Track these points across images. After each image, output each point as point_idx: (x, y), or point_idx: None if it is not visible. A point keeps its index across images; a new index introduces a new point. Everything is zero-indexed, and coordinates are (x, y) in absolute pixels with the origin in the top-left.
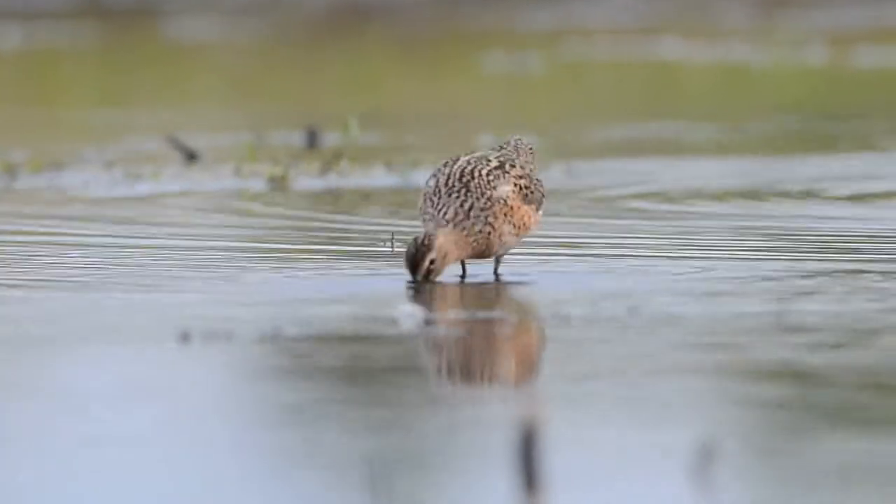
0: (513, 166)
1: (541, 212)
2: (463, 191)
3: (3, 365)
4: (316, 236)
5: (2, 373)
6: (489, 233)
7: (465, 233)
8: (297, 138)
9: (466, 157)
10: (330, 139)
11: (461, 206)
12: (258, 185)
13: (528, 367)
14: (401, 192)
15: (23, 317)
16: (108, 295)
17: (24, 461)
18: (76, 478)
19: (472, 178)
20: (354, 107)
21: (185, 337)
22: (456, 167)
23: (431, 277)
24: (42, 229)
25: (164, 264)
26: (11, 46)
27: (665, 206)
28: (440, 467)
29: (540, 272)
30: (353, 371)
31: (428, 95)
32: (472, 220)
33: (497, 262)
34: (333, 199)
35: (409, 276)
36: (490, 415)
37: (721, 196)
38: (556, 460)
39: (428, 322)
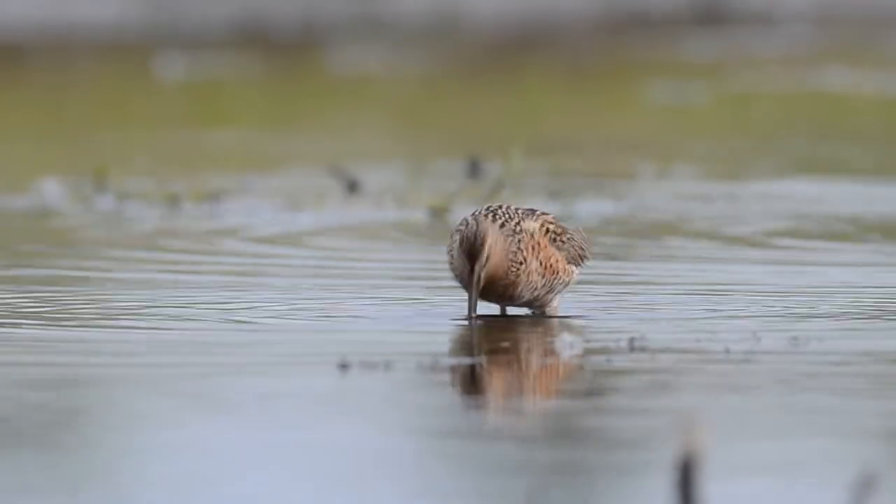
0: (545, 213)
1: (576, 269)
2: (491, 216)
3: (181, 387)
4: None
5: (185, 392)
6: (521, 263)
7: (507, 242)
8: (459, 168)
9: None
10: (492, 169)
11: (494, 223)
12: (419, 215)
13: (688, 396)
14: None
15: (189, 344)
16: (266, 324)
17: (211, 467)
18: (260, 482)
19: (499, 208)
20: (517, 136)
21: (344, 366)
22: (483, 207)
23: (481, 264)
24: (200, 258)
25: (324, 294)
26: (176, 76)
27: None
28: (598, 490)
29: (700, 305)
30: (513, 399)
31: (591, 125)
32: (508, 237)
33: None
34: None
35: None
36: (651, 442)
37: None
38: (715, 489)
39: (588, 352)
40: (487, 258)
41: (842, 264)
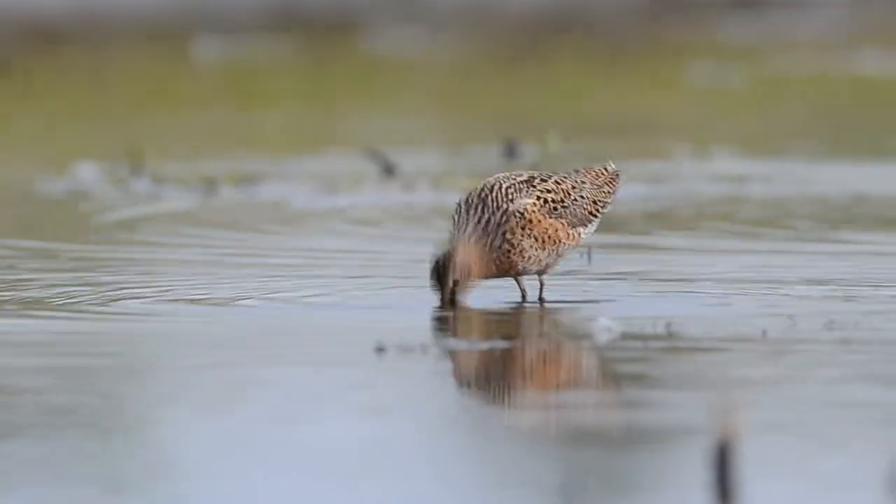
0: (544, 180)
1: (586, 229)
2: (480, 206)
3: (214, 378)
4: None
5: (215, 384)
6: (508, 250)
7: (486, 248)
8: (495, 151)
9: (503, 175)
10: (529, 151)
11: (478, 221)
12: (455, 198)
13: (723, 381)
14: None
15: (225, 330)
16: (303, 308)
17: (243, 463)
18: (288, 478)
19: (491, 192)
20: (554, 119)
21: (380, 349)
22: (481, 184)
23: (458, 297)
24: (238, 243)
25: (358, 277)
26: (211, 59)
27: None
28: (634, 478)
29: (738, 291)
30: (544, 383)
31: (629, 107)
32: (490, 235)
33: (541, 284)
34: None
35: (436, 298)
36: (685, 428)
37: None
38: (751, 475)
39: (624, 336)
40: (459, 288)
41: (878, 249)
